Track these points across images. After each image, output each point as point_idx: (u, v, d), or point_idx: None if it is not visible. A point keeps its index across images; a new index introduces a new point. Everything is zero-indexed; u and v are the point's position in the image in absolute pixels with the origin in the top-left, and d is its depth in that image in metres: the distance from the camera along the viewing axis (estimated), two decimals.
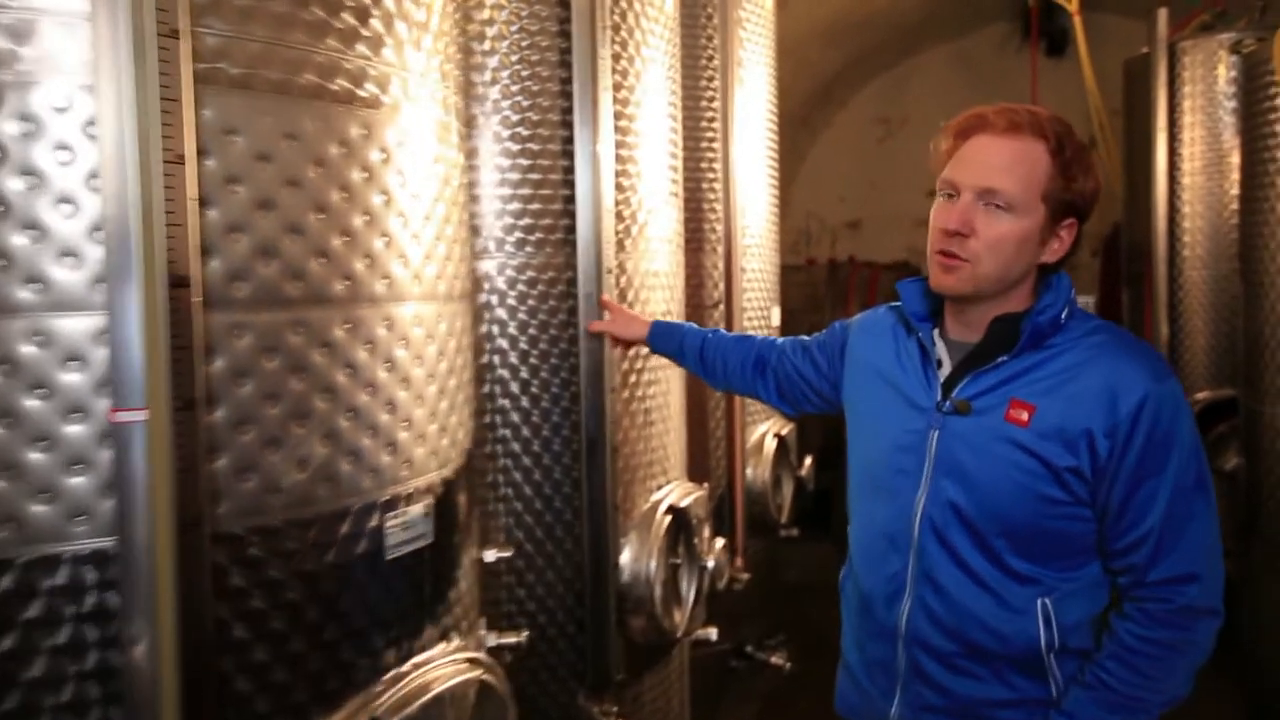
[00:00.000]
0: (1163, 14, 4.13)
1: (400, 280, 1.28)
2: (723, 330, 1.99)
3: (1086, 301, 5.48)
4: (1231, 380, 3.82)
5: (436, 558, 1.39)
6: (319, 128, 1.15)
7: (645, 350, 2.26)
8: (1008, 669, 1.36)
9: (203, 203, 1.04)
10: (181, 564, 1.00)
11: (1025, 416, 1.31)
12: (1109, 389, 1.29)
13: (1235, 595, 3.21)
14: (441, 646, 1.39)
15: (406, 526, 1.31)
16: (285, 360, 1.13)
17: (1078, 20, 5.48)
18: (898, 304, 1.53)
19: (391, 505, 1.28)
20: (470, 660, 1.41)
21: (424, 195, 1.34)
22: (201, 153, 1.04)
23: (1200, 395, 4.09)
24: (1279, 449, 2.68)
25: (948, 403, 1.37)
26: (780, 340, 1.84)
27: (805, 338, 1.77)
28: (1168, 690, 1.31)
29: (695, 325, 1.96)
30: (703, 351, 1.91)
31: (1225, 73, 3.83)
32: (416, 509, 1.33)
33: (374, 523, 1.25)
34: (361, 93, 1.21)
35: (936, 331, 1.43)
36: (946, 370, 1.40)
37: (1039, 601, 1.33)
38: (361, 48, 1.20)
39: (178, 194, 0.99)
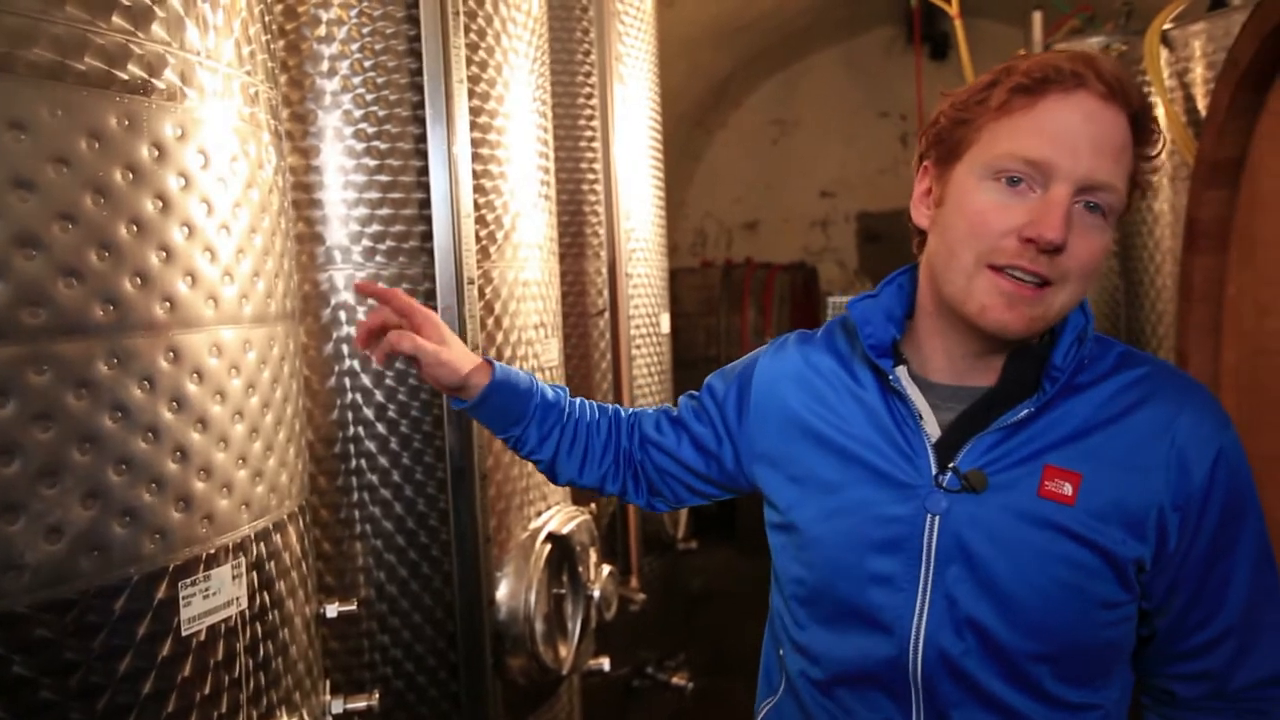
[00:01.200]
0: (1037, 18, 4.21)
1: (187, 301, 1.07)
2: (581, 401, 1.35)
3: None
4: None
5: (253, 625, 1.18)
6: (60, 117, 0.94)
7: (517, 366, 2.08)
8: None
9: None
10: None
11: (1069, 490, 0.95)
12: (1176, 446, 0.95)
13: None
14: None
15: (208, 594, 1.10)
16: (22, 406, 0.91)
17: (958, 24, 5.57)
18: (817, 333, 1.16)
19: (186, 571, 1.07)
20: None
21: (219, 200, 1.13)
22: None
23: None
24: None
25: (949, 475, 0.97)
26: (633, 414, 1.33)
27: (670, 408, 1.29)
28: None
29: (541, 385, 1.33)
30: (561, 434, 1.29)
31: None
32: (221, 572, 1.12)
33: (162, 594, 1.04)
34: (124, 75, 1.00)
35: (903, 370, 1.04)
36: (932, 427, 1.01)
37: None
38: (119, 19, 0.99)
39: None
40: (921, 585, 0.98)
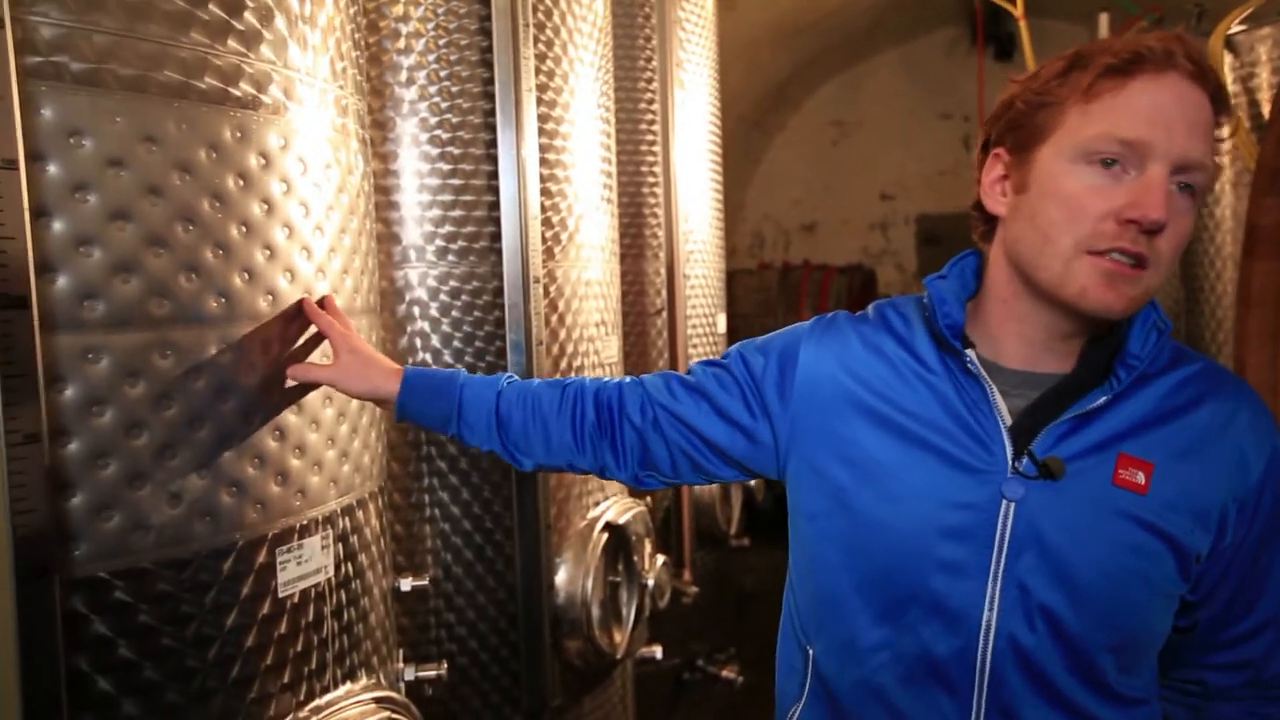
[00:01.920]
0: (1104, 19, 4.17)
1: (288, 295, 1.18)
2: (523, 378, 1.35)
3: None
4: None
5: (338, 592, 1.29)
6: (185, 130, 1.06)
7: (579, 362, 2.18)
8: None
9: (42, 213, 0.94)
10: (24, 615, 0.90)
11: (1142, 479, 0.95)
12: (1237, 443, 0.97)
13: None
14: (347, 687, 1.29)
15: (301, 561, 1.21)
16: (151, 386, 1.03)
17: (1023, 25, 5.52)
18: (868, 313, 1.13)
19: (283, 539, 1.18)
20: (379, 700, 1.31)
21: (315, 204, 1.24)
22: (37, 157, 0.93)
23: None
24: None
25: (1025, 461, 0.96)
26: (611, 383, 1.26)
27: (676, 374, 1.23)
28: None
29: (476, 375, 1.31)
30: (500, 411, 1.25)
31: None
32: (312, 542, 1.23)
33: (263, 559, 1.15)
34: (236, 92, 1.11)
35: (973, 353, 1.01)
36: (1004, 413, 0.99)
37: None
38: (234, 42, 1.11)
39: (8, 203, 0.89)
40: (993, 573, 0.96)
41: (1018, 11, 5.38)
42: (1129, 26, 4.47)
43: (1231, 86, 2.42)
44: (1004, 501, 0.96)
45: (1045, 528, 0.95)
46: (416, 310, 1.97)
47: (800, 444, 1.10)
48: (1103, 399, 0.96)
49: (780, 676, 1.18)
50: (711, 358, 1.23)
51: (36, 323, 0.91)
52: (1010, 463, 0.97)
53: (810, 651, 1.10)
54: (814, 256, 7.10)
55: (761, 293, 5.76)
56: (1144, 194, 0.89)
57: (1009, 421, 0.99)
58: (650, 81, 2.99)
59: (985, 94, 6.82)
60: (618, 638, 2.24)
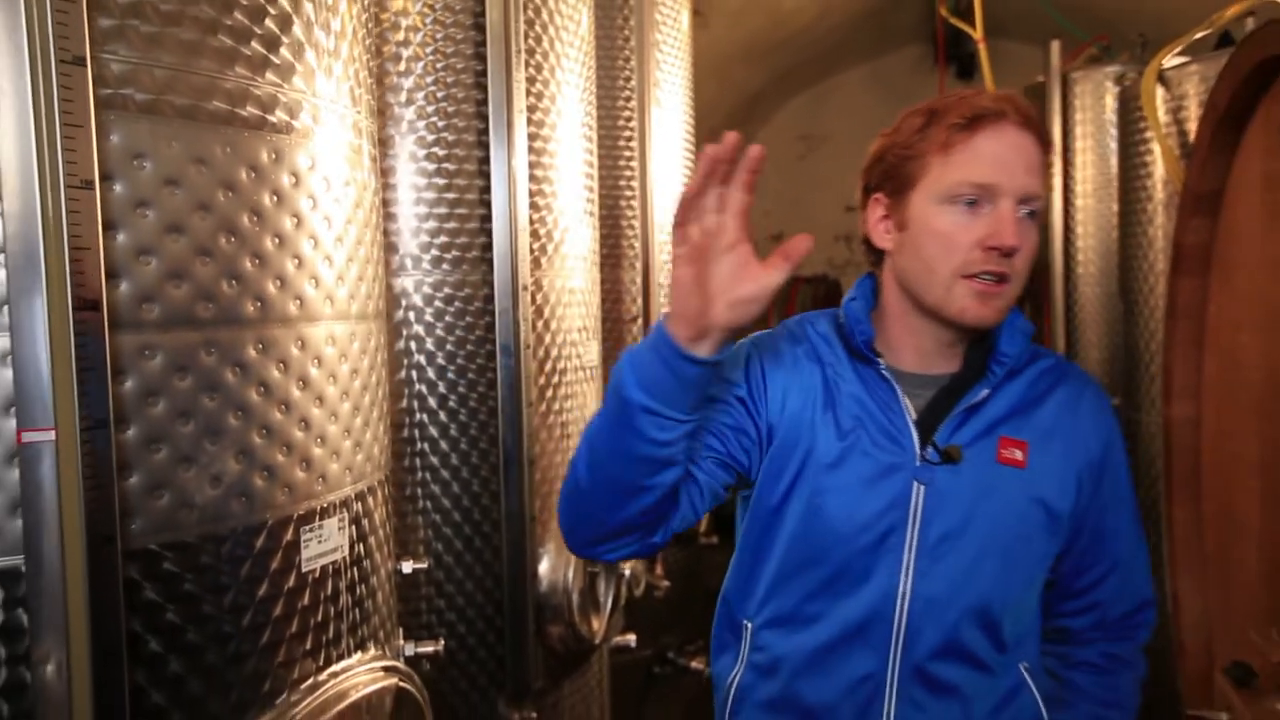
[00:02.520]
0: (1055, 46, 4.40)
1: (312, 300, 1.32)
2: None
3: None
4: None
5: (352, 570, 1.43)
6: (229, 153, 1.19)
7: (562, 365, 2.32)
8: None
9: (110, 226, 1.07)
10: (93, 580, 1.02)
11: (1020, 455, 1.15)
12: (1084, 421, 1.19)
13: None
14: (359, 656, 1.43)
15: (321, 539, 1.34)
16: (197, 380, 1.16)
17: (982, 47, 5.76)
18: (797, 334, 1.25)
19: (307, 519, 1.31)
20: (386, 669, 1.44)
21: (336, 218, 1.38)
22: (107, 177, 1.06)
23: None
24: (1153, 453, 2.87)
25: (930, 450, 1.14)
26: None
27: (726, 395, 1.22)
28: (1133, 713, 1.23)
29: None
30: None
31: (1111, 103, 4.09)
32: (331, 523, 1.36)
33: (289, 537, 1.28)
34: (272, 119, 1.25)
35: (884, 363, 1.19)
36: (909, 411, 1.17)
37: (1022, 669, 1.19)
38: (271, 75, 1.24)
39: (85, 218, 1.02)
40: (908, 546, 1.15)
41: (977, 34, 5.63)
42: (1079, 52, 4.72)
43: (1163, 118, 2.63)
44: (915, 485, 1.14)
45: (949, 504, 1.14)
46: (412, 315, 2.10)
47: (770, 448, 1.23)
48: (985, 392, 1.16)
49: (715, 653, 1.34)
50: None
51: (106, 323, 1.04)
52: (918, 452, 1.15)
53: (749, 626, 1.26)
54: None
55: None
56: (999, 225, 1.09)
57: (914, 417, 1.17)
58: (629, 100, 3.15)
59: None
60: (596, 624, 2.38)
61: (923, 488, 1.14)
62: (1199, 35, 2.57)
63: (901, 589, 1.15)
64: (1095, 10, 5.61)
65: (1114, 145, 4.41)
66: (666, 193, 3.35)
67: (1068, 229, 4.49)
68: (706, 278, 0.97)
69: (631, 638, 2.65)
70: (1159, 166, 2.77)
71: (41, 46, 0.98)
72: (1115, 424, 1.22)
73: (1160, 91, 2.62)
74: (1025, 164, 1.11)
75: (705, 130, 4.64)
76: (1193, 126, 2.49)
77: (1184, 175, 2.19)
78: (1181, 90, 2.53)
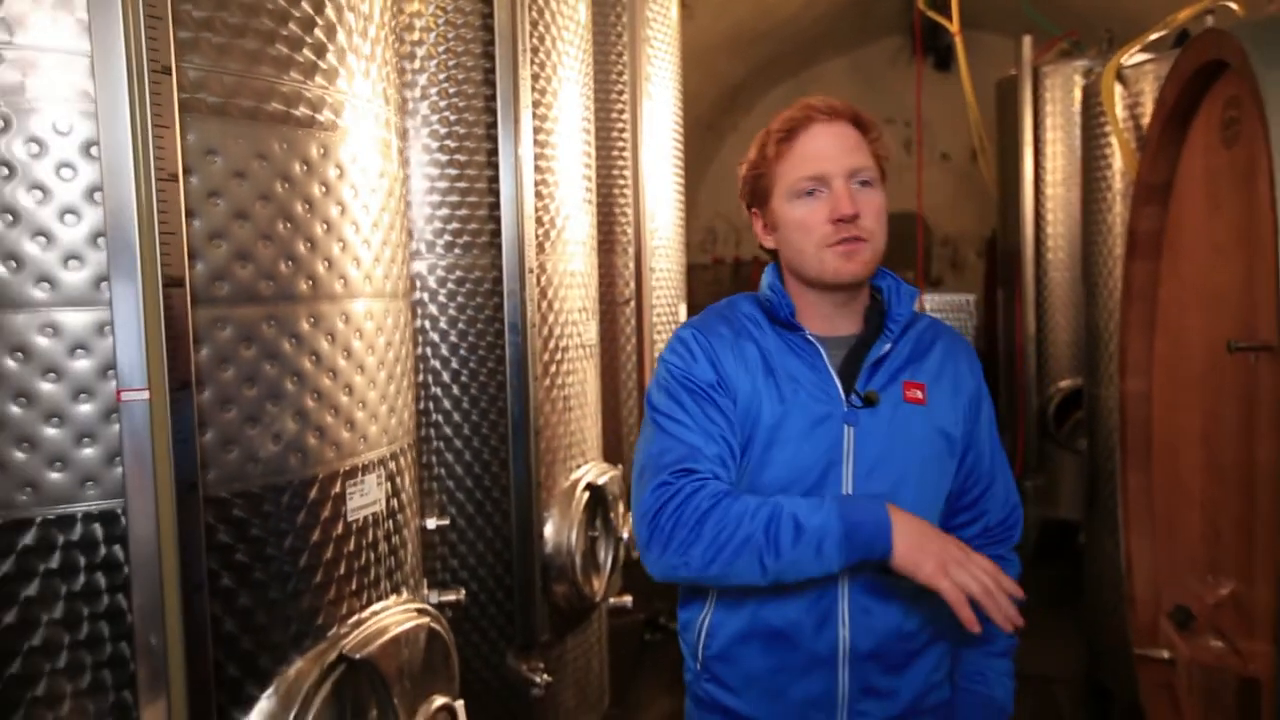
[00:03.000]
0: (1027, 40, 4.59)
1: (354, 280, 1.48)
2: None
3: (967, 299, 5.96)
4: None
5: (387, 522, 1.59)
6: (285, 149, 1.35)
7: (564, 343, 2.49)
8: (937, 650, 1.41)
9: (188, 214, 1.22)
10: (181, 520, 1.18)
11: (921, 395, 1.38)
12: (960, 367, 1.44)
13: (1081, 555, 3.64)
14: (394, 599, 1.60)
15: (363, 493, 1.51)
16: (260, 349, 1.32)
17: (959, 40, 5.94)
18: (728, 313, 1.45)
19: (351, 474, 1.48)
20: (419, 610, 1.61)
21: (372, 206, 1.54)
22: (187, 171, 1.22)
23: (1063, 384, 4.55)
24: (1110, 427, 3.08)
25: (854, 397, 1.36)
26: (711, 451, 1.37)
27: (712, 413, 1.37)
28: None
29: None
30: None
31: (1079, 96, 4.29)
32: (371, 478, 1.53)
33: (336, 489, 1.45)
34: (320, 117, 1.40)
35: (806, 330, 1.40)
36: (831, 367, 1.39)
37: None
38: (319, 79, 1.40)
39: (171, 207, 1.18)
40: (845, 476, 1.36)
41: (954, 27, 5.81)
42: (1050, 47, 4.92)
43: (1121, 113, 2.82)
44: (845, 428, 1.36)
45: (873, 439, 1.36)
46: (426, 296, 2.26)
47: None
48: (887, 346, 1.39)
49: (682, 603, 1.51)
50: (687, 383, 1.40)
51: (189, 298, 1.20)
52: (844, 401, 1.37)
53: None
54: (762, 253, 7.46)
55: (716, 285, 6.12)
56: (837, 201, 1.34)
57: (836, 372, 1.39)
58: (621, 93, 3.30)
59: (924, 102, 7.25)
60: (597, 584, 2.56)
61: (852, 429, 1.36)
62: (1153, 37, 2.75)
63: None
64: (1070, 5, 5.81)
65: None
66: (657, 182, 3.51)
67: (1038, 216, 4.70)
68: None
69: (628, 599, 2.83)
70: (1118, 158, 2.96)
71: (136, 59, 1.13)
72: (980, 367, 1.49)
73: (1119, 88, 2.81)
74: (842, 148, 1.35)
75: (689, 120, 4.79)
76: (1147, 122, 2.68)
77: (1138, 167, 2.38)
78: (1139, 87, 2.71)
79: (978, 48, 6.85)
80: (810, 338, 1.40)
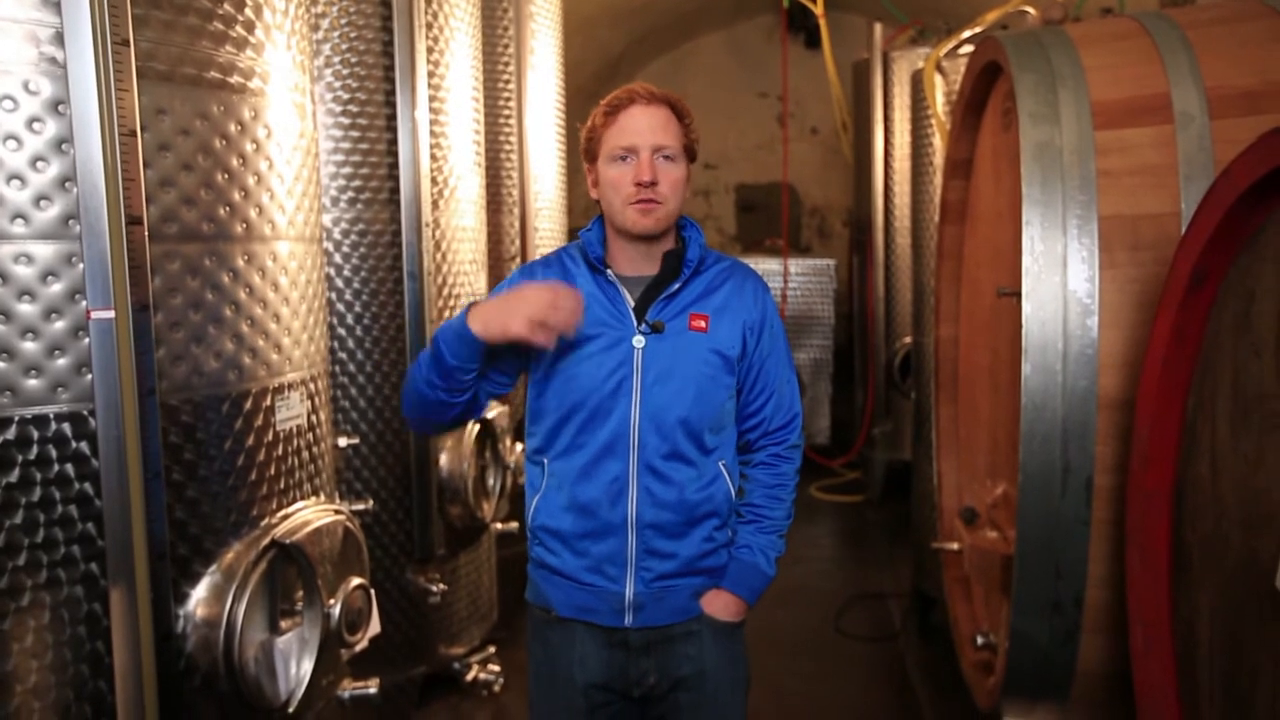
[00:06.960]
0: (878, 27, 5.08)
1: (280, 225, 1.73)
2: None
3: (829, 264, 6.49)
4: None
5: (308, 434, 1.86)
6: (222, 111, 1.58)
7: (457, 291, 2.77)
8: (710, 523, 1.70)
9: (145, 165, 1.45)
10: (142, 419, 1.43)
11: (704, 325, 1.67)
12: (748, 299, 1.71)
13: (909, 480, 4.18)
14: (314, 500, 1.87)
15: (289, 407, 1.77)
16: (203, 280, 1.56)
17: (823, 21, 6.41)
18: (555, 258, 1.76)
19: (279, 390, 1.74)
20: (336, 510, 1.89)
21: (294, 161, 1.78)
22: (142, 128, 1.45)
23: (905, 340, 5.11)
24: (928, 370, 3.60)
25: (644, 325, 1.65)
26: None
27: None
28: (790, 507, 1.78)
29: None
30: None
31: None
32: (295, 395, 1.79)
33: (267, 402, 1.71)
34: (250, 85, 1.64)
35: (609, 271, 1.69)
36: (628, 300, 1.67)
37: (719, 465, 1.70)
38: (249, 51, 1.64)
39: (130, 157, 1.41)
40: (634, 389, 1.64)
41: (818, 9, 6.27)
42: (898, 34, 5.44)
43: (940, 99, 3.29)
44: (635, 350, 1.65)
45: (659, 360, 1.65)
46: (330, 246, 2.49)
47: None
48: (676, 285, 1.68)
49: (529, 488, 1.79)
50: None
51: (147, 234, 1.44)
52: (636, 327, 1.66)
53: (545, 461, 1.74)
54: None
55: None
56: (640, 169, 1.62)
57: (632, 304, 1.68)
58: (508, 65, 3.55)
59: (795, 79, 7.72)
60: (487, 507, 2.88)
61: (640, 351, 1.65)
62: (967, 34, 3.22)
63: (633, 416, 1.65)
64: None
65: (923, 117, 5.17)
66: (541, 147, 3.79)
67: (888, 189, 5.23)
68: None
69: (515, 525, 3.16)
70: (938, 138, 3.44)
71: (100, 32, 1.36)
72: (771, 300, 1.76)
73: (939, 80, 3.27)
74: (652, 126, 1.62)
75: (571, 88, 5.04)
76: None
77: (946, 146, 2.83)
78: (955, 77, 3.17)
79: (843, 29, 7.36)
80: (613, 277, 1.69)
